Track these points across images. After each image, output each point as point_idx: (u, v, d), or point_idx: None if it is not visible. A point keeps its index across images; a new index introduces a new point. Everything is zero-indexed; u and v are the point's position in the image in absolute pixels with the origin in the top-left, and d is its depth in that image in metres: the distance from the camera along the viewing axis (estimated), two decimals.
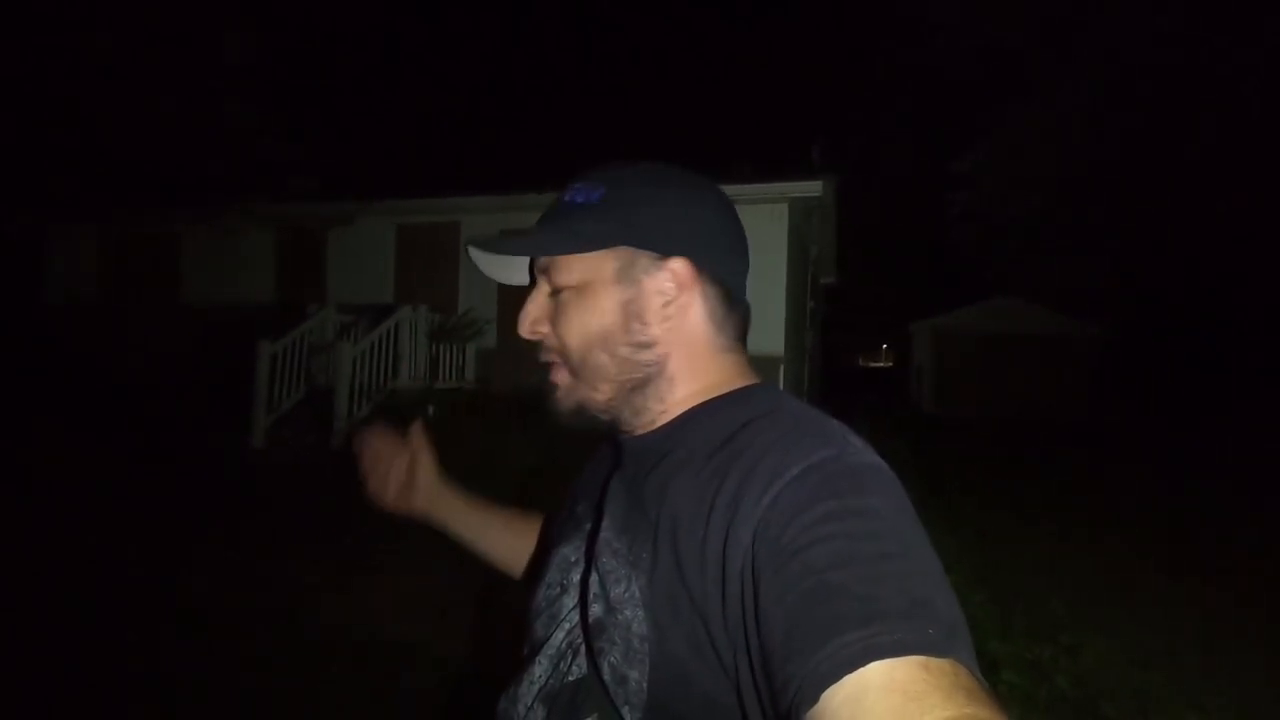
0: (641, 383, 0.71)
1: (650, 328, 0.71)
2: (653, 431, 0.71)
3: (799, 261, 9.26)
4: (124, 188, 9.15)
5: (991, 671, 2.75)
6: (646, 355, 0.70)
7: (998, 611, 3.65)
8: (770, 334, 7.93)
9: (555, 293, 0.72)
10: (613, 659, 0.61)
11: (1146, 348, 15.78)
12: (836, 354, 26.73)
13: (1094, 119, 13.61)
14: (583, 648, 0.66)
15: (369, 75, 17.88)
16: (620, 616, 0.61)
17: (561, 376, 0.72)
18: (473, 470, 5.49)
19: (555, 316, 0.72)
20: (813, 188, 8.00)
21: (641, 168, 0.74)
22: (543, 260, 0.73)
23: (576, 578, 0.71)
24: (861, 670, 0.41)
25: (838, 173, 8.78)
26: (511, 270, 0.80)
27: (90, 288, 11.45)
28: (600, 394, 0.71)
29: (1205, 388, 14.85)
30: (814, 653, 0.43)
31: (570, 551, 0.75)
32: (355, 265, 9.95)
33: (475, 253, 0.75)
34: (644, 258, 0.70)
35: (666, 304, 0.71)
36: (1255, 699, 3.10)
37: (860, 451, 0.58)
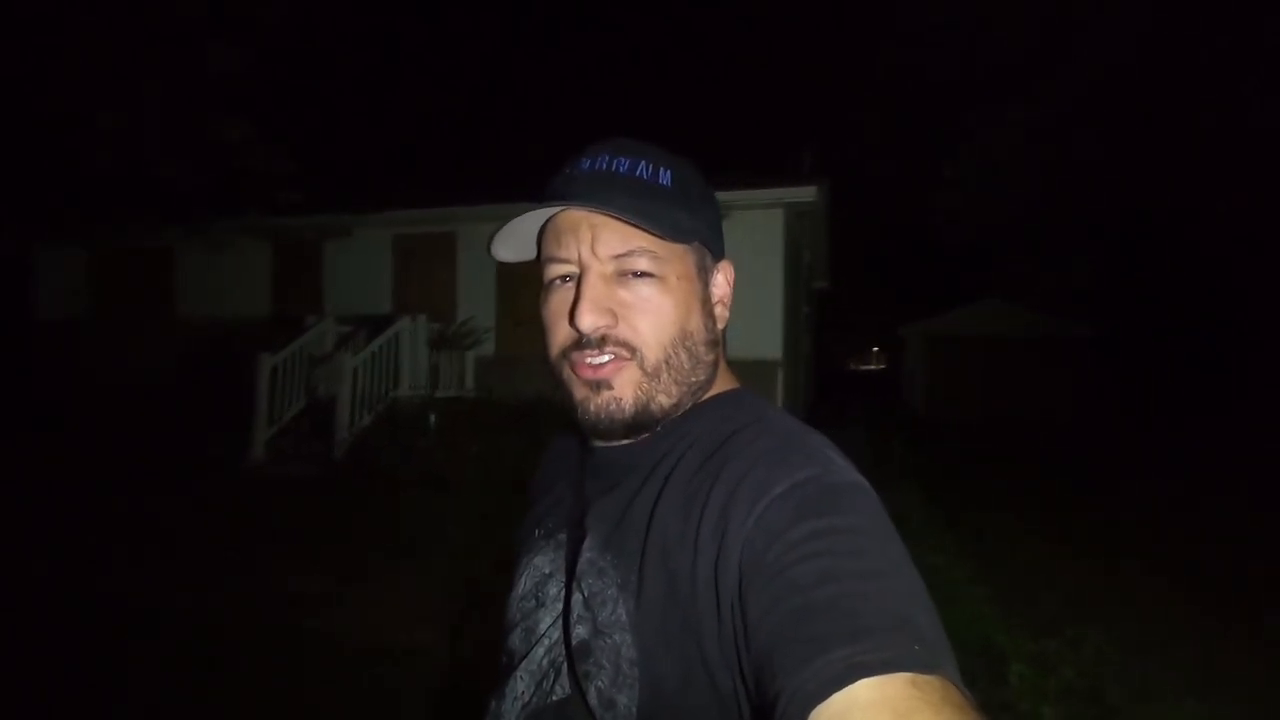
0: (702, 385, 0.69)
1: (716, 327, 0.71)
2: (639, 442, 0.68)
3: (794, 267, 9.35)
4: (116, 203, 9.13)
5: (1000, 664, 2.80)
6: (712, 355, 0.69)
7: (1001, 607, 3.73)
8: (768, 339, 7.99)
9: (620, 280, 0.65)
10: (600, 683, 0.59)
11: (1138, 348, 15.92)
12: (828, 358, 26.88)
13: (1083, 119, 13.77)
14: (565, 667, 0.64)
15: (363, 85, 17.91)
16: (609, 640, 0.59)
17: (628, 374, 0.64)
18: (474, 477, 5.51)
19: (623, 307, 0.64)
20: (807, 193, 8.09)
21: (681, 158, 0.71)
22: (615, 244, 0.64)
23: (553, 592, 0.69)
24: (849, 688, 0.41)
25: (830, 177, 8.90)
26: (520, 246, 0.71)
27: (82, 304, 11.39)
28: (669, 397, 0.66)
29: (1198, 388, 14.96)
30: (800, 670, 0.43)
31: (544, 563, 0.72)
32: (353, 276, 9.97)
33: (527, 217, 0.67)
34: (708, 257, 0.70)
35: (720, 303, 0.72)
36: (1245, 685, 3.19)
37: (843, 470, 0.58)
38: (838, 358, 37.15)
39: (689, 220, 0.66)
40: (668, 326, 0.65)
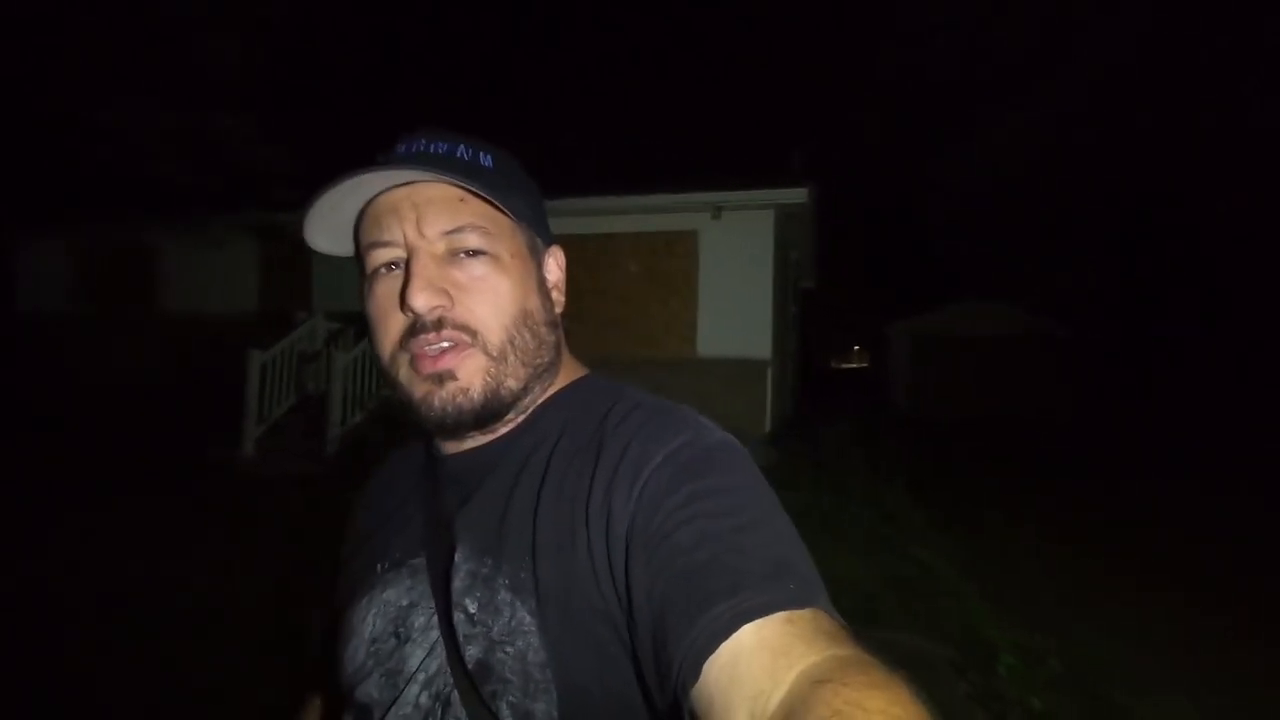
0: (548, 367, 0.67)
1: (555, 310, 0.69)
2: (498, 439, 0.66)
3: (782, 267, 9.30)
4: (105, 198, 9.11)
5: (990, 657, 2.83)
6: (554, 336, 0.68)
7: (999, 604, 3.72)
8: (758, 339, 7.92)
9: (452, 260, 0.61)
10: (511, 698, 0.56)
11: (1137, 348, 15.92)
12: (811, 356, 26.78)
13: (1082, 120, 13.78)
14: (454, 696, 0.58)
15: (355, 81, 17.91)
16: (510, 649, 0.56)
17: (473, 361, 0.61)
18: None
19: (458, 289, 0.61)
20: (797, 195, 8.03)
21: (501, 148, 0.69)
22: (443, 220, 0.61)
23: (420, 623, 0.62)
24: (734, 635, 0.43)
25: (818, 178, 8.83)
26: (336, 237, 0.67)
27: (68, 299, 11.27)
28: (517, 380, 0.63)
29: (1198, 387, 14.96)
30: (690, 629, 0.45)
31: (397, 596, 0.65)
32: (343, 273, 9.89)
33: (363, 179, 0.61)
34: (538, 240, 0.69)
35: (555, 288, 0.70)
36: (1247, 685, 3.21)
37: (711, 430, 0.60)
38: (819, 356, 36.96)
39: (515, 199, 0.64)
40: (507, 306, 0.62)
